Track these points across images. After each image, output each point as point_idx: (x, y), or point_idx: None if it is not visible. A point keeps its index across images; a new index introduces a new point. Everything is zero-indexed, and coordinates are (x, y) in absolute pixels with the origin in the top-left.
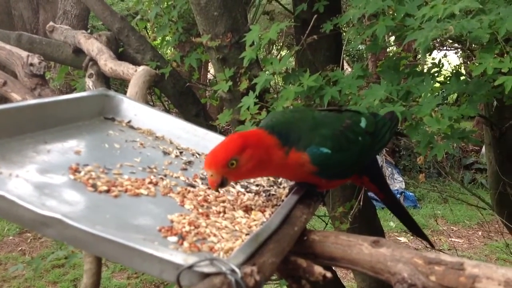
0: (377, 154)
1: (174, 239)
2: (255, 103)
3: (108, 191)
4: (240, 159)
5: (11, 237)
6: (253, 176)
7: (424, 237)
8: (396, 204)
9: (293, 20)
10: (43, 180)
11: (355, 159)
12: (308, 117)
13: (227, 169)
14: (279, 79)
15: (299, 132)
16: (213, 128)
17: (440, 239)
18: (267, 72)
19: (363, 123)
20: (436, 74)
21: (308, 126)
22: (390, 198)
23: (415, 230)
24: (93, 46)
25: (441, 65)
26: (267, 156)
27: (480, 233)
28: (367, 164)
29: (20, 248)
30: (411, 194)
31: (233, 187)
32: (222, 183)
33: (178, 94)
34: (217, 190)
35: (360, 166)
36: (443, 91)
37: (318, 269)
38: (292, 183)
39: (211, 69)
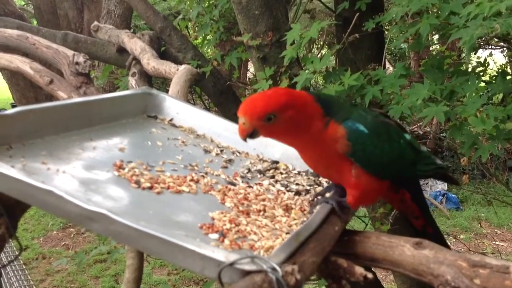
0: (419, 177)
1: (215, 236)
2: None
3: (151, 187)
4: (279, 117)
5: (55, 232)
6: (284, 139)
7: None
8: (439, 237)
9: (334, 19)
10: (88, 176)
11: (392, 159)
12: (351, 103)
13: (262, 123)
14: (319, 78)
15: (340, 106)
16: None
17: (483, 242)
18: (307, 71)
19: (407, 136)
20: (481, 74)
21: (350, 106)
22: (431, 226)
23: None
24: (136, 45)
25: (486, 64)
26: (307, 123)
27: None
28: (408, 179)
29: (63, 243)
30: (454, 196)
31: (273, 186)
32: (252, 134)
33: (219, 93)
34: (244, 140)
35: (397, 172)
36: (488, 91)
37: (359, 270)
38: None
39: (251, 68)
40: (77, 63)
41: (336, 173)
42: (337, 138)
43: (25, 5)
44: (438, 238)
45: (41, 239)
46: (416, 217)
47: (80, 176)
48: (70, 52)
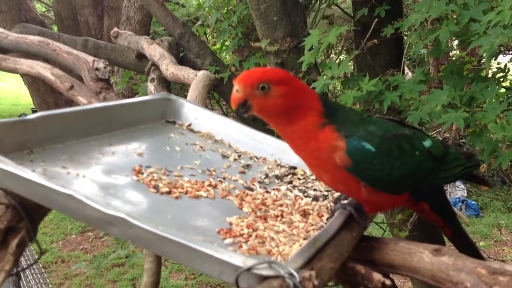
0: (442, 184)
1: (232, 241)
2: None
3: (169, 192)
4: (273, 88)
5: (73, 236)
6: (274, 120)
7: None
8: (468, 245)
9: (353, 24)
10: (108, 180)
11: (406, 175)
12: (364, 114)
13: (255, 92)
14: (337, 83)
15: (347, 117)
16: (270, 132)
17: (503, 249)
18: (325, 77)
19: (427, 143)
20: (501, 79)
21: (360, 119)
22: (459, 236)
23: None
24: (155, 51)
25: (506, 70)
26: (301, 110)
27: None
28: (426, 189)
29: (82, 247)
30: (473, 202)
31: (291, 191)
32: (244, 105)
33: None
34: (237, 111)
35: (413, 185)
36: (508, 97)
37: (377, 276)
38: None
39: None
40: (97, 69)
41: (344, 189)
42: (333, 147)
43: (46, 12)
44: (468, 248)
45: (60, 243)
46: (442, 226)
47: (99, 180)
48: (90, 58)
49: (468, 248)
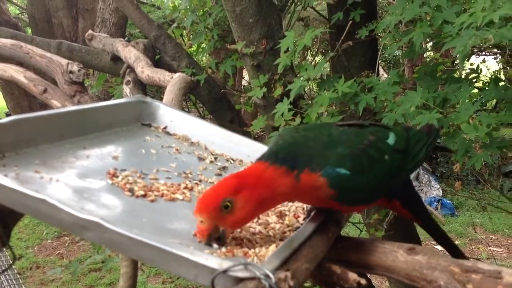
0: (410, 174)
1: None
2: (289, 109)
3: (144, 195)
4: (235, 201)
5: (49, 241)
6: (257, 215)
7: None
8: (437, 231)
9: (328, 27)
10: (82, 184)
11: (380, 182)
12: (323, 135)
13: (221, 214)
14: (313, 85)
15: (311, 152)
16: (247, 134)
17: (478, 248)
18: (301, 78)
19: (391, 139)
20: (474, 80)
21: (323, 145)
22: (429, 225)
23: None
24: (130, 53)
25: (479, 71)
26: (271, 191)
27: None
28: (397, 186)
29: (58, 252)
30: (448, 202)
31: None
32: (219, 238)
33: (213, 101)
34: (208, 243)
35: (388, 189)
36: (481, 98)
37: (353, 276)
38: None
39: (246, 76)
40: (71, 72)
41: (326, 206)
42: (319, 187)
43: (20, 14)
44: (439, 233)
45: (35, 248)
46: (412, 219)
47: (73, 184)
48: (64, 61)
49: (441, 237)
